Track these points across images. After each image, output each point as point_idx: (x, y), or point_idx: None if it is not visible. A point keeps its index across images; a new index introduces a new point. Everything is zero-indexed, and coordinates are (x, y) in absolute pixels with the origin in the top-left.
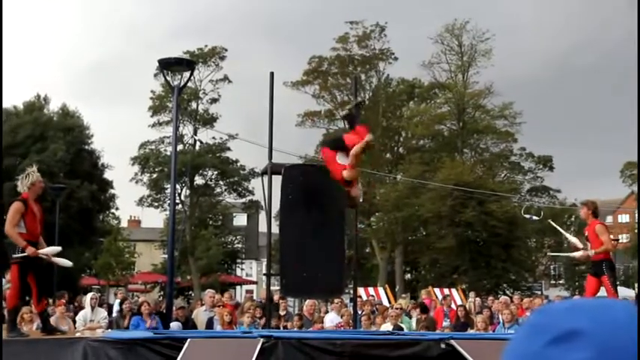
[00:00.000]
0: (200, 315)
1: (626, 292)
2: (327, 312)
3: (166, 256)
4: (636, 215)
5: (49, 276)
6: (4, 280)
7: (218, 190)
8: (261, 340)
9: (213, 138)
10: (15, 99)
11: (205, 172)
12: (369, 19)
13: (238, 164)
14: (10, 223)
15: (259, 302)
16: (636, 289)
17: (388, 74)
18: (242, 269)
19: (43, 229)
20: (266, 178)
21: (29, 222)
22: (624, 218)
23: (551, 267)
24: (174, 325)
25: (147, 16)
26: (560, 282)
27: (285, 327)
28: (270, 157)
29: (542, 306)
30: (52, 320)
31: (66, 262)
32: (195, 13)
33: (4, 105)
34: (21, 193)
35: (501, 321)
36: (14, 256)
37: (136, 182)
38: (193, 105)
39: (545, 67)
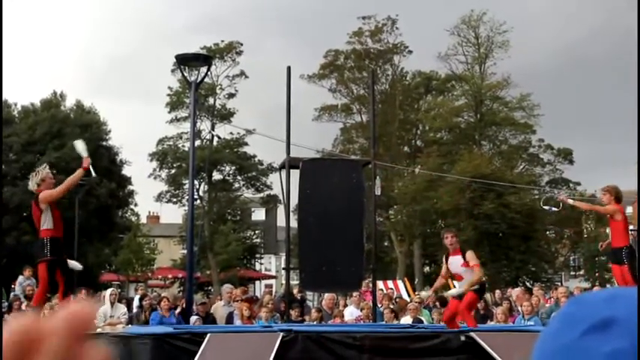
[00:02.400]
0: (219, 310)
1: None
2: (346, 306)
3: (185, 251)
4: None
5: (72, 272)
6: (21, 277)
7: (236, 185)
8: (281, 334)
9: (231, 133)
10: (32, 96)
11: (223, 168)
12: (381, 12)
13: (256, 159)
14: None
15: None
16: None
17: (403, 67)
18: (261, 264)
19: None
20: (284, 173)
21: (56, 219)
22: None
23: (571, 258)
24: (194, 320)
25: (162, 10)
26: (580, 273)
27: (303, 320)
28: (288, 151)
29: (575, 296)
30: None
31: (76, 265)
32: (210, 6)
33: (22, 102)
34: (34, 193)
35: (521, 313)
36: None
37: (155, 178)
38: (210, 100)
39: (562, 57)
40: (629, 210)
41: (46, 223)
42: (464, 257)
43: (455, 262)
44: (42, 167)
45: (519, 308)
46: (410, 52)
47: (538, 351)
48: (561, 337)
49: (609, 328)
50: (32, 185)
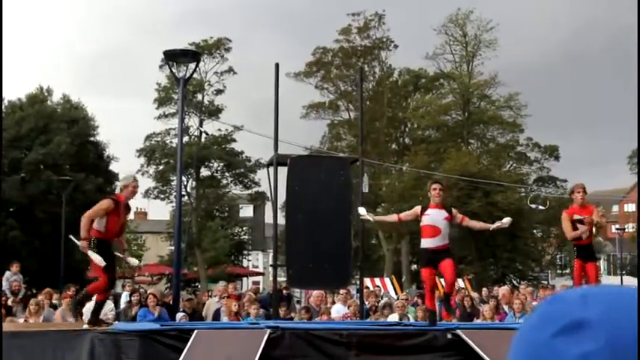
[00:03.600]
0: (212, 306)
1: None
2: (333, 303)
3: (173, 247)
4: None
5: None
6: (8, 272)
7: (224, 181)
8: (268, 330)
9: (219, 130)
10: (18, 91)
11: (211, 164)
12: (369, 9)
13: (244, 156)
14: (90, 212)
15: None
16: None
17: (391, 64)
18: (249, 260)
19: (122, 232)
20: (272, 170)
21: (111, 224)
22: (631, 207)
23: (558, 257)
24: (180, 317)
25: (149, 4)
26: (567, 272)
27: (291, 318)
28: (276, 148)
29: (552, 295)
30: (59, 312)
31: (134, 262)
32: (197, 2)
33: (9, 97)
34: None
35: (513, 310)
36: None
37: (142, 174)
38: (199, 97)
39: (549, 55)
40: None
41: (97, 224)
42: (449, 212)
43: (437, 215)
44: (133, 174)
45: (504, 307)
46: (396, 46)
47: (514, 345)
48: (535, 335)
49: (581, 329)
50: (118, 188)
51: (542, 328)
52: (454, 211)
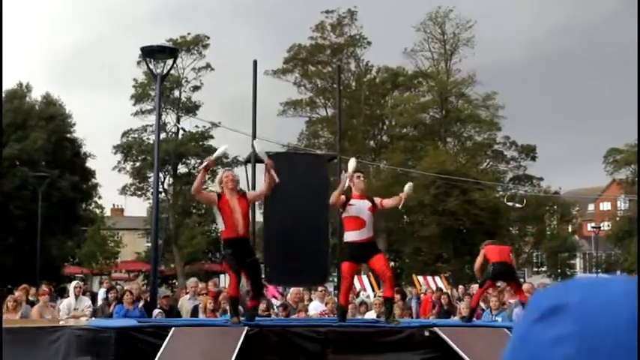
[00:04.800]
0: (185, 303)
1: None
2: (310, 300)
3: (150, 244)
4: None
5: (260, 274)
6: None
7: None
8: (246, 328)
9: (196, 126)
10: None
11: (188, 161)
12: (344, 6)
13: None
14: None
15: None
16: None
17: (368, 62)
18: None
19: (246, 225)
20: (249, 167)
21: (227, 218)
22: (606, 206)
23: (534, 254)
24: (156, 313)
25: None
26: (543, 269)
27: (268, 315)
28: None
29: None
30: (36, 309)
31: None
32: None
33: None
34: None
35: (489, 308)
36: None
37: (119, 171)
38: (176, 93)
39: (525, 54)
40: (591, 207)
41: (219, 224)
42: (372, 202)
43: (361, 205)
44: (224, 170)
45: (481, 304)
46: (369, 43)
47: (509, 341)
48: (519, 326)
49: (557, 314)
50: (217, 189)
51: (526, 316)
52: (377, 200)
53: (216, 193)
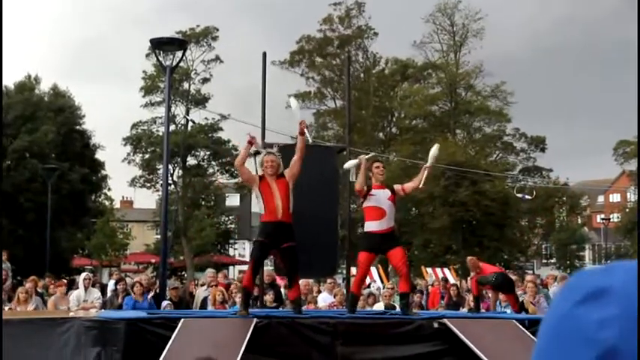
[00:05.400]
0: (201, 295)
1: None
2: (319, 292)
3: (159, 236)
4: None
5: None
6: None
7: (210, 170)
8: (255, 319)
9: (205, 118)
10: (6, 79)
11: (198, 153)
12: None
13: (230, 144)
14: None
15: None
16: None
17: (377, 53)
18: (235, 249)
19: (287, 209)
20: (259, 158)
21: (267, 200)
22: (615, 197)
23: (543, 246)
24: (165, 305)
25: None
26: (552, 261)
27: (277, 307)
28: (263, 136)
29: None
30: (52, 300)
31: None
32: None
33: None
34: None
35: (499, 300)
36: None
37: (129, 163)
38: (185, 85)
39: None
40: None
41: (260, 206)
42: (392, 191)
43: (381, 195)
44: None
45: (490, 295)
46: (376, 34)
47: (542, 323)
48: (559, 307)
49: (602, 297)
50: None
51: (566, 298)
52: (396, 187)
53: (257, 175)
